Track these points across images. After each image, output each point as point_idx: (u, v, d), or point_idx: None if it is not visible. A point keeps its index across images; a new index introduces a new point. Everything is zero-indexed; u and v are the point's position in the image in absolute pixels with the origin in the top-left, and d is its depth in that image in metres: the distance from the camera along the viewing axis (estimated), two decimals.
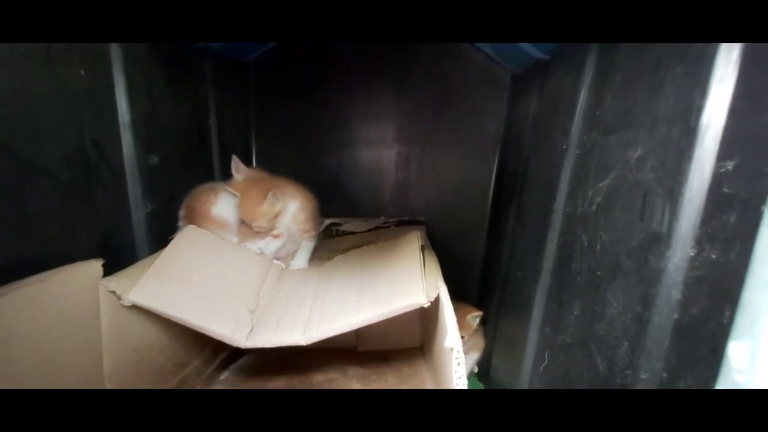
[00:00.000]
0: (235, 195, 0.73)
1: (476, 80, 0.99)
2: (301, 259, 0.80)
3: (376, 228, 0.99)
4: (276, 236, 0.78)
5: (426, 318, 0.71)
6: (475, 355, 0.87)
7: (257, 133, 1.07)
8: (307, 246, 0.81)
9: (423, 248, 0.67)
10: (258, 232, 0.74)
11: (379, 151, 1.07)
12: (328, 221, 1.02)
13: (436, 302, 0.52)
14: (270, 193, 0.70)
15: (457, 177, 1.05)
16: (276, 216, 0.74)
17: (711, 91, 0.30)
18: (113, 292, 0.51)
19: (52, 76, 0.49)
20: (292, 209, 0.78)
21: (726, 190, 0.29)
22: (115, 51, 0.58)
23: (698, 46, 0.32)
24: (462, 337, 0.80)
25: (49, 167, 0.49)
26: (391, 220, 1.04)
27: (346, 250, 0.82)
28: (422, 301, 0.51)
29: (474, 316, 0.84)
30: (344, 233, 0.99)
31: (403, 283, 0.57)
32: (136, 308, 0.52)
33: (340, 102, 1.05)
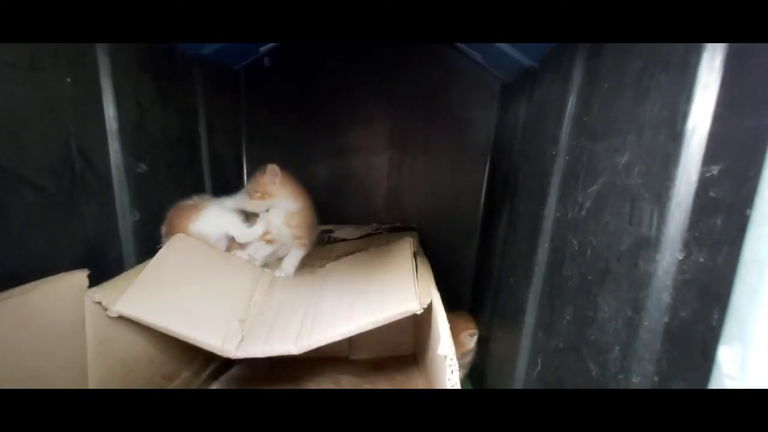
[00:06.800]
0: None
1: (467, 88, 1.00)
2: (288, 266, 0.78)
3: (369, 235, 0.99)
4: (269, 242, 0.77)
5: (419, 325, 0.70)
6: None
7: (248, 140, 1.07)
8: (295, 254, 0.80)
9: (415, 255, 0.67)
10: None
11: (371, 158, 1.07)
12: (320, 228, 1.01)
13: (428, 309, 0.52)
14: (270, 166, 0.74)
15: (449, 184, 1.05)
16: (267, 195, 0.75)
17: (695, 98, 0.31)
18: (99, 303, 0.49)
19: (37, 84, 0.48)
20: (288, 209, 0.77)
21: (712, 194, 0.29)
22: (103, 58, 0.58)
23: (681, 55, 0.33)
24: None
25: (33, 176, 0.48)
26: (383, 227, 1.04)
27: (338, 258, 0.82)
28: (415, 308, 0.50)
29: (470, 334, 0.78)
30: (336, 240, 0.98)
31: (396, 290, 0.57)
32: (122, 319, 0.51)
33: (332, 109, 1.05)
